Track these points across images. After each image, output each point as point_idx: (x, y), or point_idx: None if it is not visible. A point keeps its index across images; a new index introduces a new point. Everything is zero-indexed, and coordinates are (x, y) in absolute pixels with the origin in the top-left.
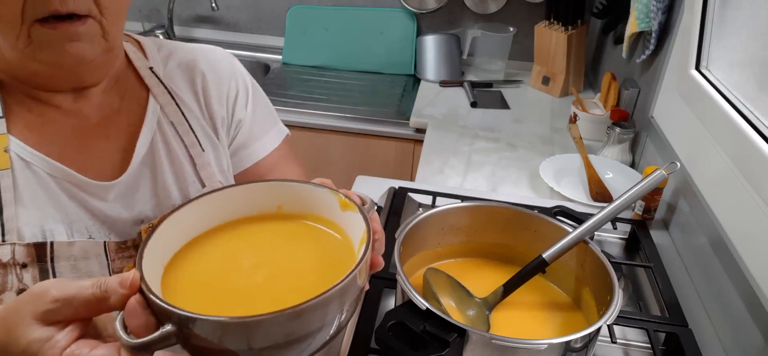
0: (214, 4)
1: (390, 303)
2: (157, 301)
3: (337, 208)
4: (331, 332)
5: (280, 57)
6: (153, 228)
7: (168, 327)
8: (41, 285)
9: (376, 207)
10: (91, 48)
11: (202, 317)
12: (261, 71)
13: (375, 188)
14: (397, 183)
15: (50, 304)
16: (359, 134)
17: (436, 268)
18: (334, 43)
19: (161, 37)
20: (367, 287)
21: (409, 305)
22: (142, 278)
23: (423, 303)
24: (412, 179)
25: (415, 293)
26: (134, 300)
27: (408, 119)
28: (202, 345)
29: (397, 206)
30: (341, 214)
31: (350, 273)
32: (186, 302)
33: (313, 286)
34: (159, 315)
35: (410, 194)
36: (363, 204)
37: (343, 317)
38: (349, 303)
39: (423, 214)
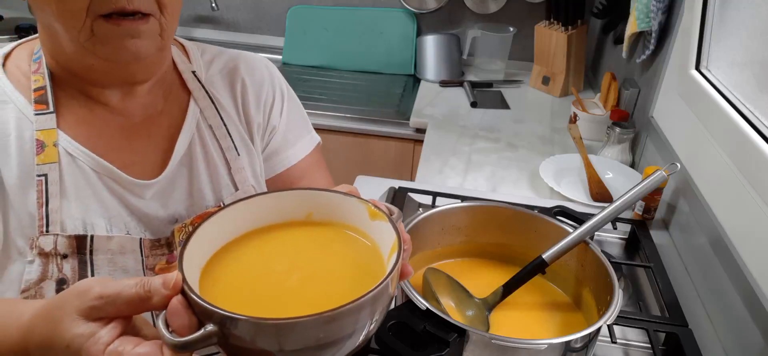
0: (214, 4)
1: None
2: (200, 301)
3: (365, 217)
4: (361, 339)
5: (280, 57)
6: (190, 233)
7: (210, 327)
8: (85, 283)
9: (402, 217)
10: (148, 45)
11: (245, 317)
12: None
13: (375, 188)
14: (397, 183)
15: (94, 301)
16: (359, 134)
17: (436, 268)
18: (334, 43)
19: None
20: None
21: (409, 305)
22: (184, 279)
23: (423, 303)
24: (412, 179)
25: (415, 293)
26: (177, 300)
27: (408, 119)
28: (241, 345)
29: (397, 206)
30: (370, 223)
31: (383, 280)
32: (223, 304)
33: (346, 291)
34: (201, 315)
35: (410, 194)
36: (391, 214)
37: (372, 325)
38: (379, 310)
39: (423, 214)
